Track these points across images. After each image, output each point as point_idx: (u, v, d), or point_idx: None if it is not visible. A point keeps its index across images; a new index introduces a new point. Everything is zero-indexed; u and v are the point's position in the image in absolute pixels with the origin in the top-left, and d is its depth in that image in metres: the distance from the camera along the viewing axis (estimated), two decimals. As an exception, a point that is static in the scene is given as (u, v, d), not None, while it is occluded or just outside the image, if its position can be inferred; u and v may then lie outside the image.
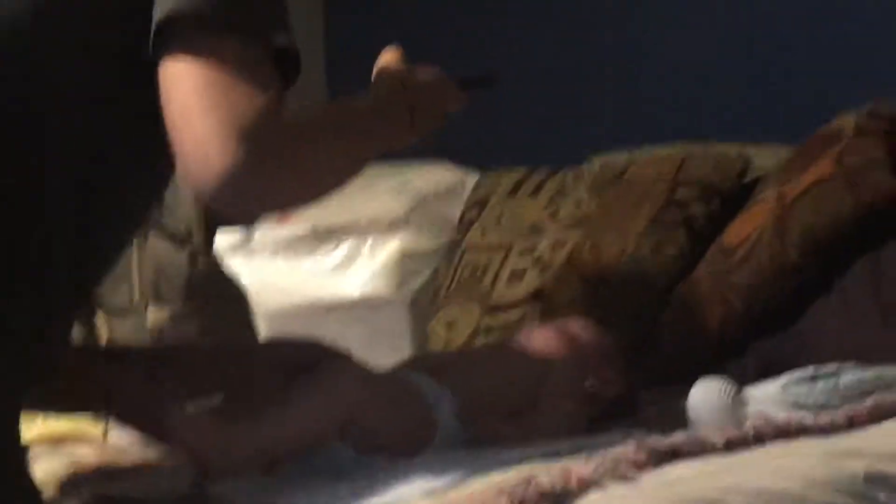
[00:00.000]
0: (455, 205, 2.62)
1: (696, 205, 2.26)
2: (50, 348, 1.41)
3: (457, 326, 2.31)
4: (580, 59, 2.95)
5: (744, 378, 1.74)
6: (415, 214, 2.46)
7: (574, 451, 1.48)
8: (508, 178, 2.56)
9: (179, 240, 2.43)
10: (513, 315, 2.26)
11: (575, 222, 2.35)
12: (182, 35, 1.34)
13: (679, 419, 1.62)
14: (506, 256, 2.38)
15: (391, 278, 2.24)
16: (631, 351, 1.99)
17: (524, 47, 3.00)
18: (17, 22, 1.36)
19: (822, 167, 2.10)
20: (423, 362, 1.76)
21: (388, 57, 1.67)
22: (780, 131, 2.46)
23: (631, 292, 2.18)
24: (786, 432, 1.50)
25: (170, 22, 1.34)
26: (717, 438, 1.44)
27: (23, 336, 1.36)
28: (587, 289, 2.20)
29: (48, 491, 1.55)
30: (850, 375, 1.70)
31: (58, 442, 1.81)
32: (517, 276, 2.32)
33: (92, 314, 2.27)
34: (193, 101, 1.32)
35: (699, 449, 1.42)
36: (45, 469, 1.59)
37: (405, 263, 2.24)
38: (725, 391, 1.60)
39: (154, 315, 2.45)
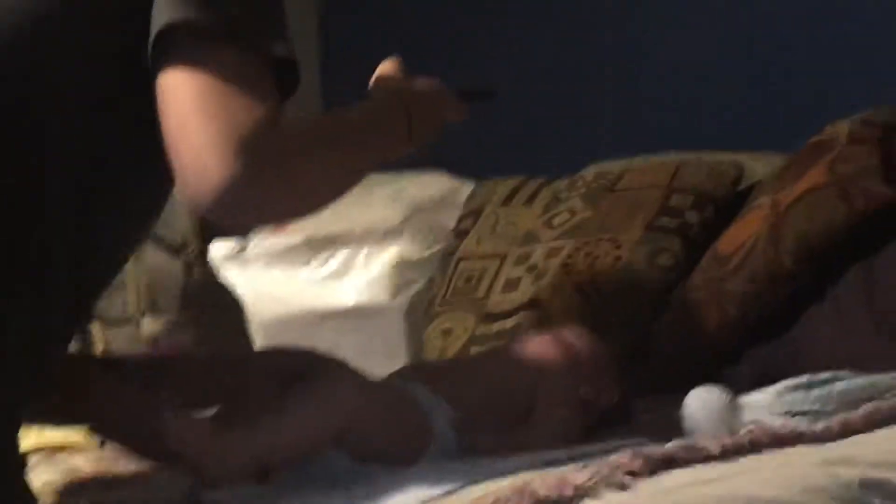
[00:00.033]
0: (450, 213, 2.62)
1: (691, 212, 2.27)
2: (49, 357, 1.41)
3: (452, 335, 2.31)
4: (574, 69, 2.95)
5: (739, 385, 1.74)
6: (410, 223, 2.47)
7: (569, 460, 1.48)
8: (503, 187, 2.57)
9: (175, 250, 2.43)
10: (508, 323, 2.26)
11: (570, 230, 2.35)
12: (180, 45, 1.34)
13: (674, 427, 1.62)
14: (501, 265, 2.38)
15: (386, 287, 2.24)
16: (626, 359, 1.99)
17: (519, 56, 3.00)
18: (17, 26, 1.36)
19: (816, 175, 2.10)
20: (419, 371, 1.76)
21: (387, 67, 1.67)
22: (773, 139, 2.46)
23: (626, 300, 2.19)
24: (781, 440, 1.50)
25: (168, 31, 1.34)
26: (713, 446, 1.44)
27: (22, 343, 1.36)
28: (582, 297, 2.21)
29: (45, 501, 1.55)
30: (845, 383, 1.71)
31: (54, 452, 1.81)
32: (512, 284, 2.33)
33: (87, 324, 2.27)
34: (191, 112, 1.32)
35: (694, 457, 1.42)
36: (41, 479, 1.59)
37: (400, 272, 2.24)
38: (720, 399, 1.60)
39: (149, 325, 2.45)
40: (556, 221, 2.40)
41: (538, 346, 1.78)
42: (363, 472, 1.51)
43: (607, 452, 1.42)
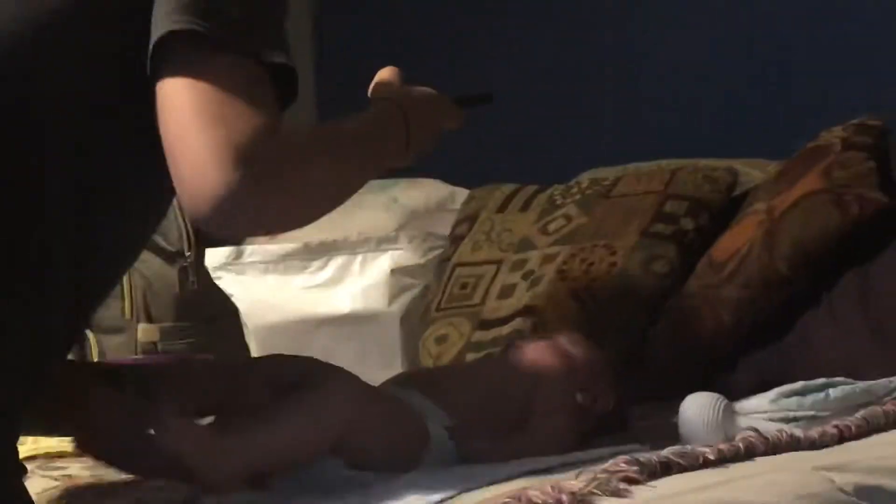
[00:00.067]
0: (445, 220, 2.62)
1: (686, 219, 2.27)
2: (48, 363, 1.41)
3: (448, 341, 2.31)
4: (570, 75, 2.96)
5: (734, 392, 1.74)
6: (405, 230, 2.47)
7: (565, 466, 1.48)
8: (499, 194, 2.57)
9: (170, 257, 2.43)
10: (504, 330, 2.26)
11: (565, 237, 2.35)
12: (180, 53, 1.33)
13: (670, 433, 1.62)
14: (496, 271, 2.38)
15: (382, 294, 2.24)
16: (621, 365, 1.99)
17: (513, 63, 3.01)
18: (18, 34, 1.36)
19: (811, 181, 2.10)
20: (415, 378, 1.76)
21: (385, 74, 1.67)
22: (768, 145, 2.47)
23: (621, 307, 2.18)
24: (776, 446, 1.51)
25: (167, 40, 1.34)
26: (709, 452, 1.45)
27: (22, 349, 1.36)
28: (577, 303, 2.21)
29: (41, 508, 1.55)
30: (840, 389, 1.71)
31: (50, 459, 1.82)
32: (508, 291, 2.33)
33: (85, 331, 2.28)
34: (189, 120, 1.31)
35: (690, 463, 1.42)
36: (37, 486, 1.59)
37: (396, 279, 2.24)
38: (716, 405, 1.60)
39: (144, 331, 2.45)
40: (551, 228, 2.40)
41: (534, 353, 1.78)
42: (358, 479, 1.51)
43: (603, 459, 1.42)
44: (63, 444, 1.84)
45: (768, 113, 2.64)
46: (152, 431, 1.44)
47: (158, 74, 1.35)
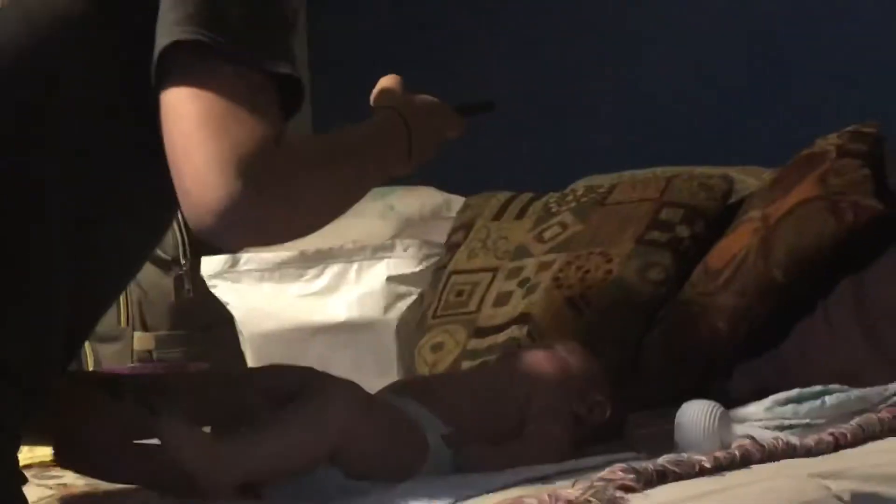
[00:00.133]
0: (441, 228, 2.62)
1: (681, 226, 2.27)
2: (49, 373, 1.41)
3: (444, 349, 2.31)
4: (565, 83, 2.96)
5: (730, 399, 1.74)
6: (401, 238, 2.46)
7: (562, 475, 1.48)
8: (494, 201, 2.57)
9: (165, 265, 2.43)
10: (499, 337, 2.26)
11: (561, 244, 2.35)
12: (184, 63, 1.33)
13: (666, 441, 1.62)
14: (492, 279, 2.38)
15: (378, 302, 2.23)
16: (617, 373, 1.99)
17: (508, 73, 3.01)
18: (23, 41, 1.36)
19: (806, 188, 2.11)
20: (410, 386, 1.76)
21: (388, 82, 1.67)
22: (763, 153, 2.47)
23: (617, 314, 2.19)
24: (772, 453, 1.51)
25: (172, 50, 1.34)
26: (705, 460, 1.45)
27: (23, 358, 1.36)
28: (573, 311, 2.21)
29: (37, 517, 1.55)
30: (835, 396, 1.71)
31: (46, 467, 1.81)
32: (503, 298, 2.33)
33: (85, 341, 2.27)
34: (193, 130, 1.31)
35: (687, 471, 1.42)
36: (33, 495, 1.58)
37: (392, 287, 2.23)
38: (712, 413, 1.60)
39: (140, 340, 2.45)
40: (546, 235, 2.40)
41: (530, 361, 1.78)
42: (355, 488, 1.51)
43: (600, 467, 1.42)
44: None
45: (763, 120, 2.64)
46: (153, 440, 1.44)
47: (163, 84, 1.34)
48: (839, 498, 1.37)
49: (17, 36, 1.36)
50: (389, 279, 2.24)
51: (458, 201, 2.73)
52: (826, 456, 1.54)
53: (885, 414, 1.65)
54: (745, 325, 2.06)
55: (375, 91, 1.69)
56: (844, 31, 2.54)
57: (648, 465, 1.41)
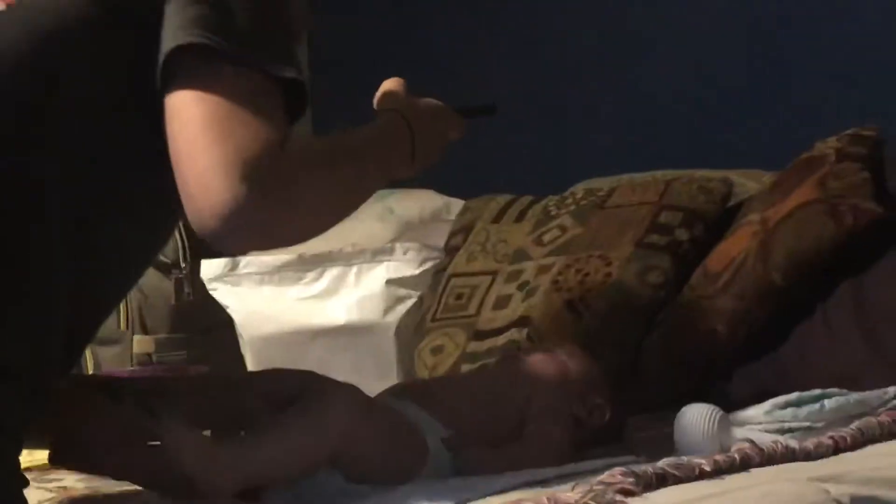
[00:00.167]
0: (440, 231, 2.62)
1: (680, 230, 2.27)
2: (50, 376, 1.41)
3: (443, 352, 2.31)
4: (564, 86, 2.96)
5: (729, 403, 1.74)
6: (400, 241, 2.47)
7: (561, 478, 1.48)
8: (494, 205, 2.57)
9: (165, 268, 2.43)
10: (499, 341, 2.26)
11: (560, 247, 2.36)
12: (189, 66, 1.34)
13: (665, 445, 1.62)
14: (491, 282, 2.38)
15: (377, 305, 2.23)
16: (617, 376, 1.99)
17: (508, 76, 3.01)
18: (29, 43, 1.37)
19: (805, 192, 2.11)
20: (410, 389, 1.76)
21: (391, 84, 1.67)
22: (762, 156, 2.47)
23: (616, 317, 2.19)
24: (772, 457, 1.51)
25: (177, 54, 1.34)
26: (704, 464, 1.45)
27: (24, 361, 1.36)
28: (572, 314, 2.21)
29: (37, 521, 1.55)
30: (835, 400, 1.71)
31: (45, 470, 1.81)
32: (503, 301, 2.33)
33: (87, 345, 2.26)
34: (198, 134, 1.31)
35: (686, 474, 1.42)
36: (33, 498, 1.58)
37: (391, 290, 2.23)
38: (711, 416, 1.60)
39: (140, 343, 2.45)
40: (546, 238, 2.40)
41: (529, 364, 1.78)
42: (355, 491, 1.51)
43: (599, 471, 1.42)
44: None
45: (763, 124, 2.64)
46: (153, 443, 1.44)
47: (168, 87, 1.35)
48: (838, 501, 1.37)
49: (19, 39, 1.37)
50: (389, 282, 2.24)
51: (457, 204, 2.73)
52: (825, 459, 1.54)
53: (884, 417, 1.66)
54: (745, 329, 2.06)
55: (379, 94, 1.69)
56: (845, 32, 2.54)
57: (648, 468, 1.41)
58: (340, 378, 1.62)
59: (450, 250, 2.52)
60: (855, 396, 1.73)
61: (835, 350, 1.98)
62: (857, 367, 1.92)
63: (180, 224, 2.23)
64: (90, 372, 2.40)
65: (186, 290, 2.43)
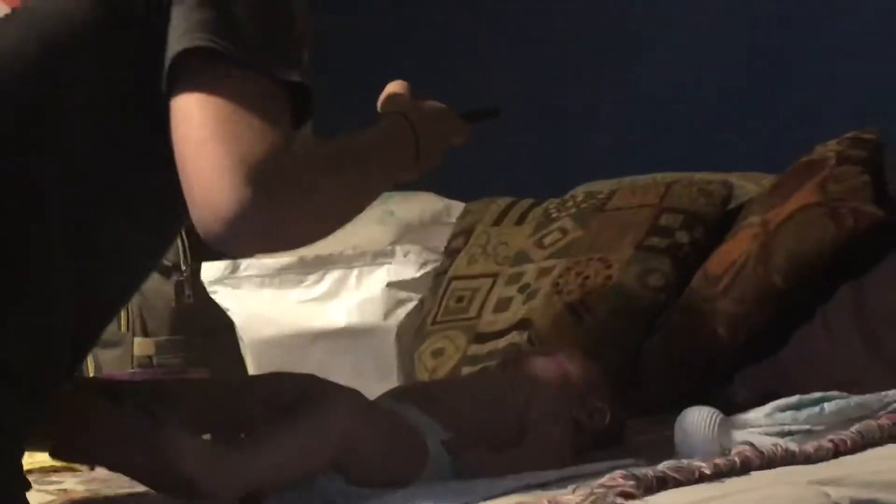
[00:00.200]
0: (441, 234, 2.62)
1: (681, 232, 2.27)
2: (53, 381, 1.41)
3: (444, 355, 2.31)
4: (565, 88, 2.96)
5: (730, 406, 1.74)
6: (401, 243, 2.47)
7: (562, 481, 1.48)
8: (494, 207, 2.57)
9: (166, 270, 2.43)
10: (499, 343, 2.26)
11: (560, 250, 2.36)
12: (195, 69, 1.34)
13: (666, 447, 1.62)
14: (492, 285, 2.38)
15: (378, 307, 2.24)
16: (617, 379, 1.99)
17: (508, 79, 3.01)
18: (26, 50, 1.37)
19: (806, 194, 2.11)
20: (411, 392, 1.76)
21: (395, 87, 1.67)
22: (763, 159, 2.47)
23: (616, 320, 2.19)
24: (772, 460, 1.51)
25: (184, 57, 1.34)
26: (705, 467, 1.45)
27: (26, 365, 1.36)
28: (573, 317, 2.21)
29: (38, 523, 1.55)
30: (835, 403, 1.71)
31: (46, 473, 1.81)
32: (503, 304, 2.33)
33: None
34: (203, 137, 1.32)
35: (686, 478, 1.42)
36: (34, 501, 1.58)
37: (392, 293, 2.24)
38: (712, 419, 1.60)
39: (140, 345, 2.45)
40: (546, 241, 2.40)
41: (530, 367, 1.78)
42: (356, 494, 1.51)
43: (600, 473, 1.42)
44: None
45: (763, 126, 2.65)
46: (155, 447, 1.44)
47: (173, 90, 1.35)
48: (839, 504, 1.38)
49: (26, 42, 1.37)
50: (389, 285, 2.24)
51: (458, 207, 2.73)
52: (825, 463, 1.54)
53: (884, 420, 1.65)
54: (745, 331, 2.06)
55: (383, 96, 1.69)
56: (845, 32, 2.54)
57: (648, 471, 1.41)
58: (341, 381, 1.62)
59: (450, 253, 2.52)
60: (855, 399, 1.73)
61: (835, 353, 1.98)
62: (858, 370, 1.92)
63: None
64: (91, 374, 2.40)
65: (187, 292, 2.43)
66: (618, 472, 1.39)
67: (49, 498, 1.65)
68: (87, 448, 1.50)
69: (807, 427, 1.67)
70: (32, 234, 1.35)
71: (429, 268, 2.30)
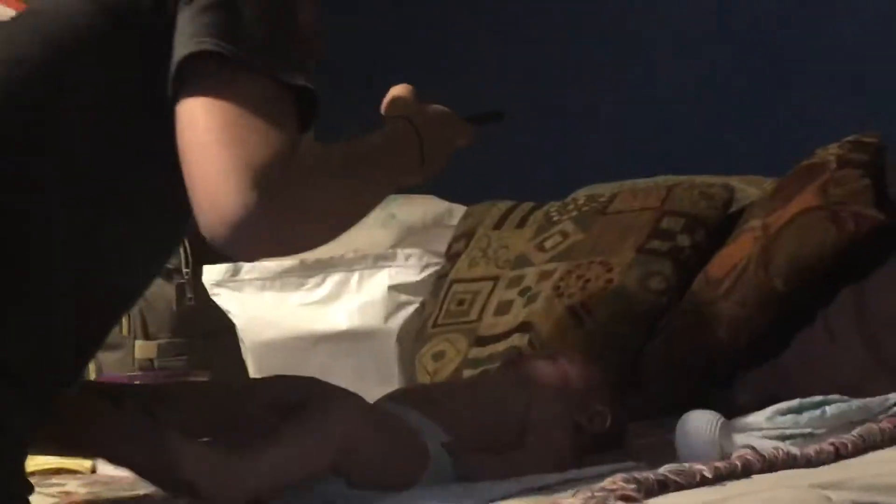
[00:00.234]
0: (442, 237, 2.62)
1: (682, 235, 2.27)
2: (57, 383, 1.41)
3: (445, 358, 2.31)
4: (565, 94, 2.96)
5: (731, 409, 1.74)
6: (402, 247, 2.47)
7: (562, 484, 1.48)
8: (495, 210, 2.57)
9: (167, 273, 2.43)
10: (500, 346, 2.26)
11: (561, 253, 2.36)
12: (201, 74, 1.34)
13: (667, 451, 1.62)
14: (493, 288, 2.38)
15: (379, 310, 2.23)
16: (618, 382, 1.99)
17: (509, 82, 3.01)
18: (31, 53, 1.37)
19: (807, 198, 2.11)
20: (411, 394, 1.76)
21: (399, 91, 1.67)
22: (764, 162, 2.47)
23: (617, 323, 2.19)
24: (773, 464, 1.51)
25: (190, 61, 1.34)
26: (706, 470, 1.45)
27: (30, 368, 1.36)
28: (574, 320, 2.21)
29: (39, 526, 1.54)
30: (836, 406, 1.71)
31: (47, 475, 1.81)
32: (504, 307, 2.33)
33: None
34: (208, 141, 1.32)
35: (687, 481, 1.42)
36: (35, 502, 1.59)
37: (393, 296, 2.24)
38: (712, 423, 1.60)
39: (141, 348, 2.45)
40: (547, 244, 2.40)
41: (531, 370, 1.78)
42: (356, 497, 1.51)
43: (600, 477, 1.42)
44: (60, 460, 1.84)
45: (764, 130, 2.65)
46: (156, 450, 1.44)
47: (180, 95, 1.35)
48: (840, 508, 1.38)
49: (31, 44, 1.37)
50: (391, 288, 2.24)
51: (459, 210, 2.74)
52: (827, 466, 1.54)
53: (885, 424, 1.66)
54: (746, 335, 2.06)
55: (387, 100, 1.70)
56: (847, 40, 2.54)
57: (649, 474, 1.41)
58: (342, 384, 1.62)
59: (451, 256, 2.52)
60: (856, 403, 1.73)
61: (836, 356, 1.98)
62: (859, 374, 1.92)
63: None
64: (92, 377, 2.40)
65: (188, 295, 2.43)
66: (619, 476, 1.39)
67: (51, 500, 1.65)
68: (88, 453, 1.51)
69: (808, 430, 1.68)
70: (32, 234, 1.35)
71: (430, 271, 2.29)
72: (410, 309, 2.25)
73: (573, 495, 1.36)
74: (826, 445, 1.57)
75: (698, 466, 1.45)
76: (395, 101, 1.68)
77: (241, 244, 1.33)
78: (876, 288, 2.02)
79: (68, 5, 1.40)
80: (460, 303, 2.40)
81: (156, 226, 1.48)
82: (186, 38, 1.35)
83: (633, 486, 1.37)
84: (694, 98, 2.75)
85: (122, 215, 1.42)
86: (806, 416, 1.69)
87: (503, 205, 2.59)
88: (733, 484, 1.45)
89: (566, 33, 2.98)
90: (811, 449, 1.56)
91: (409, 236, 2.69)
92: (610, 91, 2.89)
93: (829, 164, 2.15)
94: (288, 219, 1.33)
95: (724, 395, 2.00)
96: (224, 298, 2.32)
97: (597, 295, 2.22)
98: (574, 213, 2.44)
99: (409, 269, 2.26)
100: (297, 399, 1.55)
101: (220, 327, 2.35)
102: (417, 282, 2.25)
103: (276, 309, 2.28)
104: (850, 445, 1.58)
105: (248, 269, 2.30)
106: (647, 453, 1.65)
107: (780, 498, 1.38)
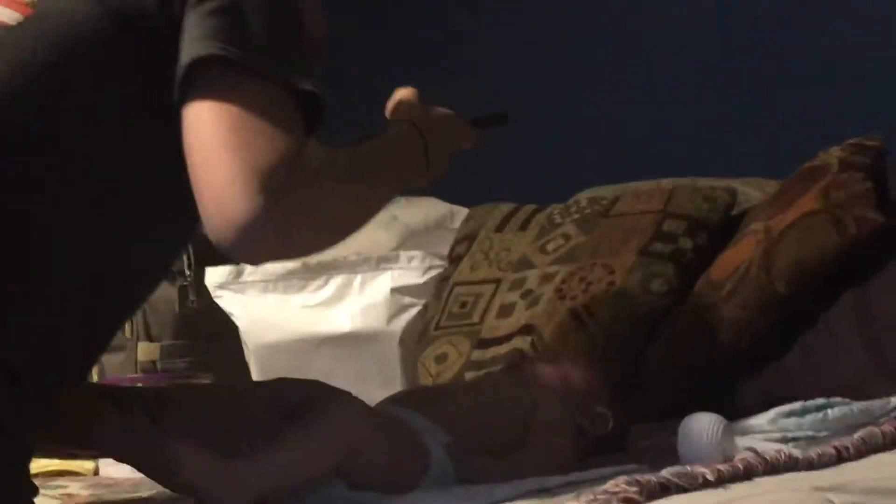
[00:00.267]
0: (444, 239, 2.62)
1: (684, 238, 2.27)
2: (60, 385, 1.41)
3: (447, 360, 2.31)
4: (567, 96, 2.96)
5: (732, 412, 1.74)
6: (405, 249, 2.47)
7: (564, 487, 1.49)
8: (497, 213, 2.57)
9: (170, 275, 2.43)
10: (502, 349, 2.26)
11: (564, 256, 2.36)
12: (207, 78, 1.34)
13: (669, 453, 1.62)
14: (495, 290, 2.38)
15: (381, 313, 2.24)
16: (620, 384, 1.99)
17: (511, 85, 3.01)
18: (36, 58, 1.37)
19: (809, 201, 2.11)
20: (414, 397, 1.76)
21: (404, 93, 1.68)
22: (766, 165, 2.47)
23: (619, 326, 2.18)
24: (775, 466, 1.51)
25: (196, 66, 1.35)
26: (708, 473, 1.45)
27: (37, 371, 1.36)
28: (576, 322, 2.21)
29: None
30: (838, 409, 1.71)
31: (50, 477, 1.82)
32: (506, 310, 2.33)
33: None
34: (215, 146, 1.32)
35: (689, 483, 1.42)
36: (37, 505, 1.59)
37: (395, 298, 2.24)
38: (715, 425, 1.60)
39: (144, 350, 2.45)
40: (550, 247, 2.40)
41: (533, 372, 1.78)
42: (358, 499, 1.51)
43: (602, 479, 1.42)
44: (63, 462, 1.85)
45: (765, 131, 2.65)
46: (158, 453, 1.44)
47: (186, 99, 1.35)
48: (842, 511, 1.38)
49: (36, 48, 1.38)
50: (393, 290, 2.25)
51: (461, 212, 2.73)
52: (828, 469, 1.54)
53: (887, 427, 1.65)
54: (748, 338, 2.06)
55: (391, 103, 1.70)
56: (849, 43, 2.54)
57: (651, 477, 1.41)
58: (344, 386, 1.63)
59: (454, 258, 2.52)
60: (858, 406, 1.73)
61: (838, 359, 1.98)
62: (860, 377, 1.92)
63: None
64: (94, 379, 2.40)
65: (191, 297, 2.44)
66: (621, 478, 1.39)
67: (53, 502, 1.65)
68: (89, 455, 1.51)
69: (810, 433, 1.68)
70: (32, 234, 1.35)
71: (433, 273, 2.30)
72: (413, 311, 2.25)
73: (575, 498, 1.37)
74: (828, 448, 1.57)
75: (700, 469, 1.45)
76: (399, 104, 1.69)
77: (248, 248, 1.33)
78: (877, 291, 2.02)
79: (74, 9, 1.40)
80: (462, 305, 2.40)
81: (160, 228, 1.48)
82: (193, 41, 1.35)
83: (635, 488, 1.37)
84: (695, 100, 2.75)
85: (124, 217, 1.43)
86: (808, 418, 1.69)
87: (505, 207, 2.59)
88: (735, 486, 1.45)
89: (567, 35, 2.98)
90: (813, 451, 1.56)
91: (411, 238, 2.69)
92: (611, 93, 2.89)
93: (830, 166, 2.15)
94: (294, 222, 1.34)
95: (726, 397, 2.00)
96: (227, 300, 2.33)
97: (599, 297, 2.22)
98: (576, 216, 2.43)
99: (411, 272, 2.26)
100: (300, 401, 1.55)
101: (223, 329, 2.36)
102: (420, 284, 2.26)
103: (279, 311, 2.28)
104: (852, 448, 1.58)
105: (251, 271, 2.30)
106: (649, 455, 1.65)
107: (783, 500, 1.38)
